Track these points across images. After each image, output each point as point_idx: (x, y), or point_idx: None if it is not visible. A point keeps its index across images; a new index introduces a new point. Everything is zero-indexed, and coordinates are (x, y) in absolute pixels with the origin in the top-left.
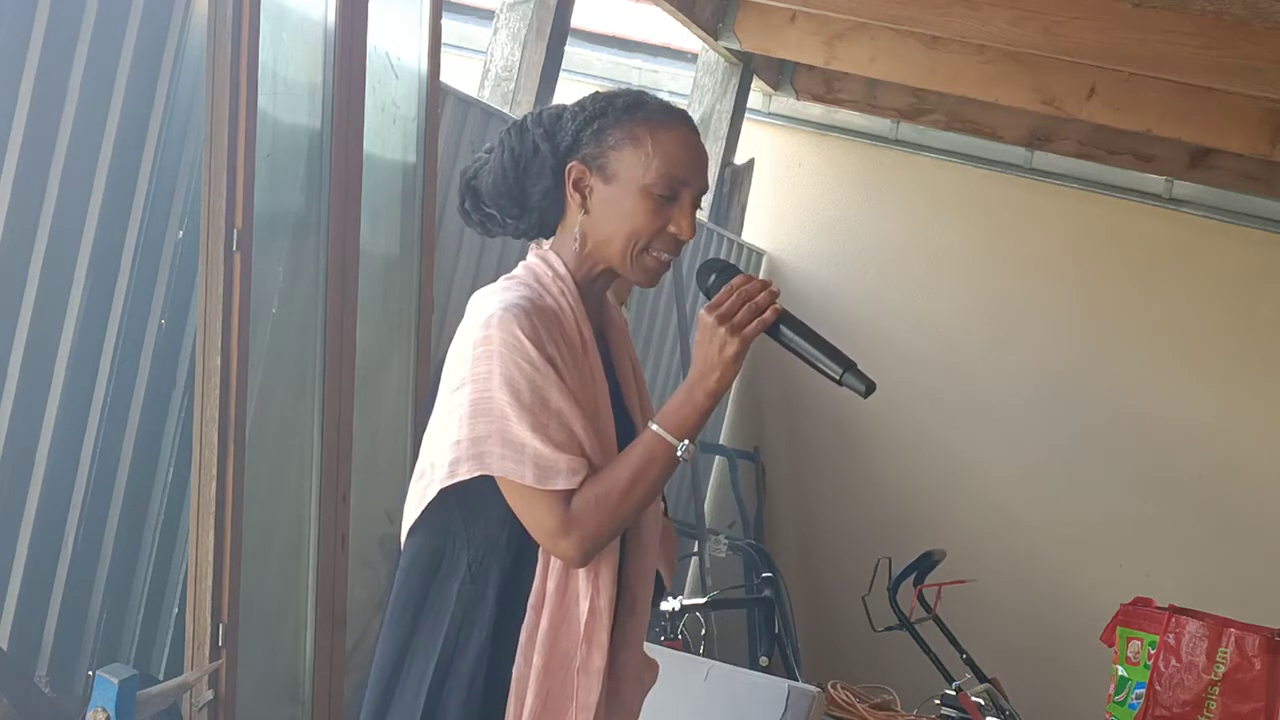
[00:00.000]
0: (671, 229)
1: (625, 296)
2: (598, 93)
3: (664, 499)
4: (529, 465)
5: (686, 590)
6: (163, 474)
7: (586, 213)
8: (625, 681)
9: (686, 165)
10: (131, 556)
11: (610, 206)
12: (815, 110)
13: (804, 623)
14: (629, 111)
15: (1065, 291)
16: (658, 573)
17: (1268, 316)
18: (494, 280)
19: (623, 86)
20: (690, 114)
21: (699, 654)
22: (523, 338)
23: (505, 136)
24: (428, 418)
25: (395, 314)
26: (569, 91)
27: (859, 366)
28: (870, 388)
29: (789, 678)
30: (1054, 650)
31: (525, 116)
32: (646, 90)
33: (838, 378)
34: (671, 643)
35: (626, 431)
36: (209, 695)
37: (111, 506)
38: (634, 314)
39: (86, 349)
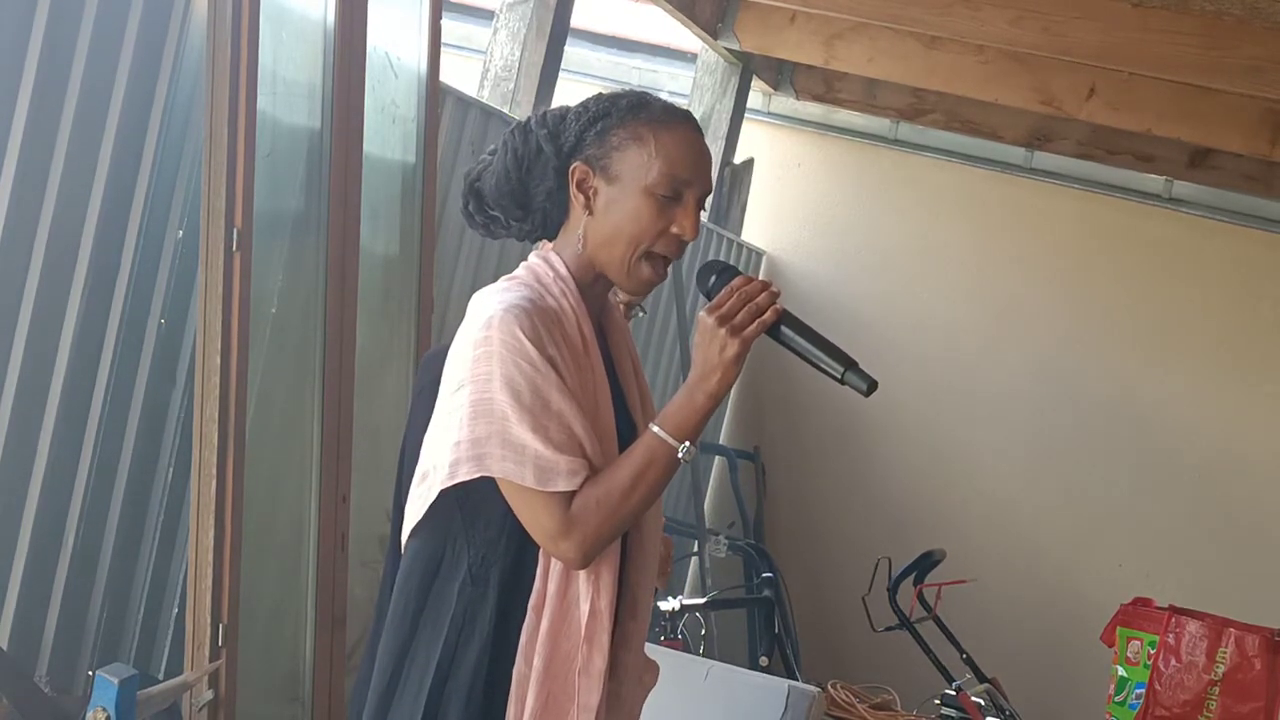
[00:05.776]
0: (674, 230)
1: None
2: (601, 94)
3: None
4: (529, 467)
5: (686, 590)
6: (163, 474)
7: (590, 214)
8: (626, 683)
9: (689, 165)
10: (131, 556)
11: (613, 207)
12: (815, 110)
13: (804, 623)
14: (632, 112)
15: (1065, 291)
16: None
17: (1267, 316)
18: (494, 279)
19: (625, 87)
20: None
21: (699, 654)
22: (523, 338)
23: (509, 138)
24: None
25: (395, 313)
26: (568, 91)
27: (860, 365)
28: (872, 386)
29: (789, 678)
30: (1054, 650)
31: (529, 118)
32: (649, 91)
33: (839, 376)
34: (671, 643)
35: (628, 432)
36: (209, 695)
37: (111, 506)
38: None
39: (86, 349)
